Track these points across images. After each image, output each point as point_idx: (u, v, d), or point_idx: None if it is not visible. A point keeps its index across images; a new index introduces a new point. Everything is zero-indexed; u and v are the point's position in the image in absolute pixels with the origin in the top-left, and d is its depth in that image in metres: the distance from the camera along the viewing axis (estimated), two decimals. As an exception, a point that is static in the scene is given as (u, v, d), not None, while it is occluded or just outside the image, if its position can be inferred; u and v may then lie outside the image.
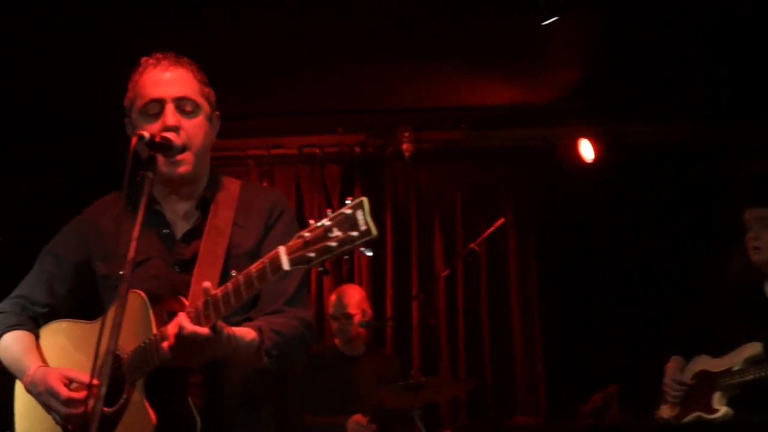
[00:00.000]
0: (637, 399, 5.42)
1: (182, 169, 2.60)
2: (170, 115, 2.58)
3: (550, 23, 4.85)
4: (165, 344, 2.31)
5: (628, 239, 6.65)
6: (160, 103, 2.60)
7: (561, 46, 5.40)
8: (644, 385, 4.70)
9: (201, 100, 2.65)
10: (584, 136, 6.54)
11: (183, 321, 2.26)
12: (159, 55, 2.67)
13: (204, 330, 2.25)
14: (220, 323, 2.30)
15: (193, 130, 2.61)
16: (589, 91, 6.03)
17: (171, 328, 2.29)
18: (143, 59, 2.69)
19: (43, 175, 6.72)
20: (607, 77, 5.87)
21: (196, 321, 2.28)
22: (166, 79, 2.62)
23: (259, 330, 2.46)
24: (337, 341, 5.85)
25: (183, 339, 2.26)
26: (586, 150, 6.54)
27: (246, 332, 2.43)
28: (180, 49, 2.75)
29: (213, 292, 2.27)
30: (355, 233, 2.05)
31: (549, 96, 6.25)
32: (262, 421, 2.67)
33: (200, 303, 2.29)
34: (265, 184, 6.85)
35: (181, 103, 2.61)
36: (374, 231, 2.04)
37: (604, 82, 5.94)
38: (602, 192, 6.69)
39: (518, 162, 6.90)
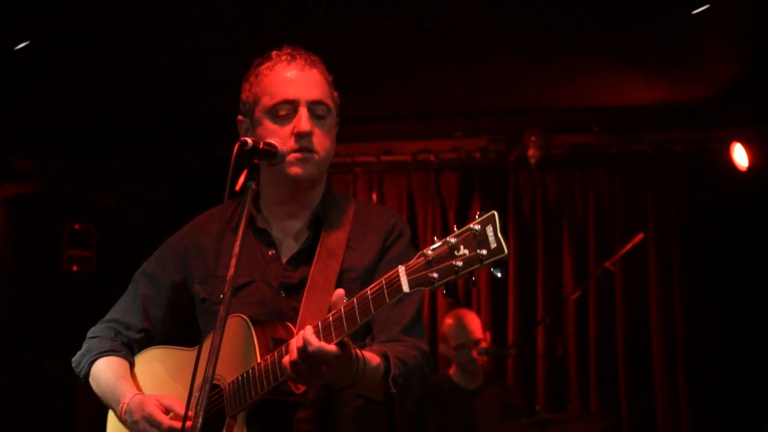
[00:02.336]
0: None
1: (311, 170, 2.61)
2: (305, 120, 2.60)
3: (701, 11, 4.71)
4: (286, 360, 2.29)
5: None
6: (293, 104, 2.63)
7: (713, 37, 5.27)
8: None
9: (332, 105, 2.69)
10: (738, 140, 6.36)
11: (309, 336, 2.25)
12: (291, 51, 2.69)
13: (331, 347, 2.24)
14: (347, 340, 2.28)
15: (324, 136, 2.65)
16: (746, 87, 5.86)
17: (295, 343, 2.28)
18: (273, 53, 2.70)
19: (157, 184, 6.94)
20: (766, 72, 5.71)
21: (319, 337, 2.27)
22: (301, 80, 2.64)
23: (385, 357, 2.44)
24: (451, 372, 5.81)
25: (308, 356, 2.25)
26: (740, 156, 6.35)
27: (371, 356, 2.42)
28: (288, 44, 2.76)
29: (339, 303, 2.25)
30: (483, 251, 2.03)
31: (697, 94, 6.12)
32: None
33: (329, 316, 2.27)
34: (373, 194, 6.88)
35: (314, 107, 2.64)
36: (506, 249, 2.02)
37: (763, 78, 5.76)
38: (759, 204, 6.48)
39: (660, 169, 6.76)
